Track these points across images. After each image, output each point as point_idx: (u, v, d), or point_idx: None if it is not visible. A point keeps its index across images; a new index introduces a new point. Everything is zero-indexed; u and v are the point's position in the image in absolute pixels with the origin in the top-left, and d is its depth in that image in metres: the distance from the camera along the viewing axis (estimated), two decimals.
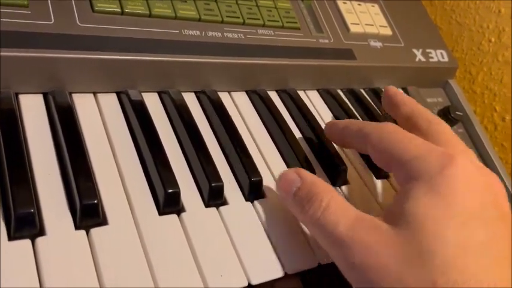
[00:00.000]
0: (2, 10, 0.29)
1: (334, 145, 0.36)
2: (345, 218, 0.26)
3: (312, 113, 0.40)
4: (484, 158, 0.50)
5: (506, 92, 0.58)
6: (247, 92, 0.40)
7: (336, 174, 0.36)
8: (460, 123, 0.51)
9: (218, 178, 0.30)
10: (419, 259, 0.23)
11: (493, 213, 0.25)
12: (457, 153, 0.26)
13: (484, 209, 0.24)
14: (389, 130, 0.29)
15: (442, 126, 0.31)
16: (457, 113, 0.50)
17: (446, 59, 0.52)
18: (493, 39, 0.58)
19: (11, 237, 0.24)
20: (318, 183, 0.28)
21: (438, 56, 0.52)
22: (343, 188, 0.35)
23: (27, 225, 0.24)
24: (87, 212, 0.25)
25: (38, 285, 0.22)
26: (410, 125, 0.32)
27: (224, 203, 0.30)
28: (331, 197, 0.27)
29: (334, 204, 0.26)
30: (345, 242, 0.25)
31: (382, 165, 0.29)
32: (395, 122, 0.33)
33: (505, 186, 0.48)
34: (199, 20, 0.37)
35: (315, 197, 0.27)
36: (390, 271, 0.23)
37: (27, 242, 0.24)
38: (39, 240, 0.24)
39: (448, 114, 0.50)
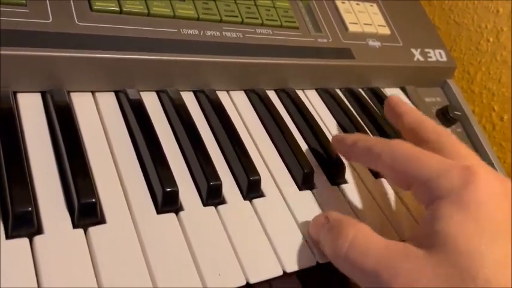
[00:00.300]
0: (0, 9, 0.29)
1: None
2: (374, 247, 0.25)
3: (310, 113, 0.40)
4: (483, 158, 0.50)
5: (505, 91, 0.58)
6: (245, 91, 0.40)
7: (334, 173, 0.36)
8: (458, 123, 0.51)
9: (216, 177, 0.30)
10: (460, 280, 0.22)
11: None
12: (475, 165, 0.26)
13: (510, 220, 0.24)
14: (401, 148, 0.28)
15: (452, 138, 0.30)
16: (456, 112, 0.50)
17: (444, 59, 0.52)
18: (491, 39, 0.58)
19: (8, 236, 0.24)
20: (345, 218, 0.28)
21: (436, 55, 0.52)
22: (342, 187, 0.35)
23: (25, 223, 0.24)
24: (85, 211, 0.25)
25: (36, 284, 0.22)
26: (418, 137, 0.31)
27: (222, 202, 0.30)
28: (357, 229, 0.26)
29: (362, 235, 0.26)
30: (378, 273, 0.24)
31: (399, 184, 0.29)
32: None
33: None
34: (198, 19, 0.37)
35: (341, 230, 0.27)
36: None
37: (24, 241, 0.24)
38: (37, 238, 0.24)
39: (446, 114, 0.50)
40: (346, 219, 0.28)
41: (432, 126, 0.31)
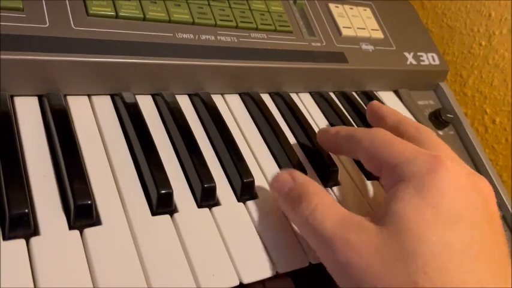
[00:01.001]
0: None
1: None
2: (332, 217, 0.26)
3: (304, 116, 0.40)
4: (475, 160, 0.51)
5: (497, 94, 0.59)
6: (240, 95, 0.40)
7: (327, 175, 0.36)
8: (451, 126, 0.52)
9: (211, 179, 0.30)
10: (401, 259, 0.23)
11: (480, 216, 0.25)
12: (445, 156, 0.27)
13: (471, 211, 0.25)
14: (379, 135, 0.29)
15: (430, 133, 0.31)
16: (448, 115, 0.50)
17: (437, 62, 0.53)
18: (483, 43, 0.59)
19: (5, 237, 0.24)
20: (309, 184, 0.29)
21: (429, 59, 0.52)
22: (335, 188, 0.36)
23: (22, 225, 0.24)
24: (81, 213, 0.26)
25: (32, 284, 0.23)
26: (400, 132, 0.32)
27: (216, 203, 0.31)
28: (320, 197, 0.28)
29: (323, 204, 0.27)
30: (331, 239, 0.25)
31: (373, 169, 0.30)
32: None
33: (495, 187, 0.49)
34: (193, 23, 0.38)
35: (305, 197, 0.28)
36: (372, 270, 0.24)
37: (21, 242, 0.24)
38: (34, 240, 0.24)
39: (439, 117, 0.50)
40: (311, 184, 0.29)
41: (412, 123, 0.33)
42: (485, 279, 0.23)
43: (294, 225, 0.31)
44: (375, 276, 0.23)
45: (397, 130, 0.32)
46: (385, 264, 0.23)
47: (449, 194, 0.25)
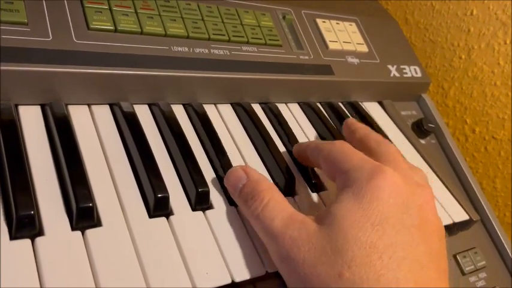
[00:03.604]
0: (3, 27, 0.31)
1: None
2: (281, 214, 0.29)
3: (289, 126, 0.42)
4: (455, 168, 0.53)
5: (476, 105, 0.62)
6: (232, 105, 0.42)
7: (314, 182, 0.38)
8: (432, 135, 0.55)
9: (204, 184, 0.32)
10: (331, 254, 0.26)
11: (409, 222, 0.27)
12: (390, 166, 0.29)
13: (400, 216, 0.27)
14: (338, 146, 0.32)
15: (390, 146, 0.35)
16: (430, 125, 0.53)
17: (419, 75, 0.55)
18: (463, 56, 0.62)
19: (12, 237, 0.25)
20: (262, 181, 0.31)
21: (412, 71, 0.55)
22: (321, 193, 0.38)
23: (28, 226, 0.26)
24: (83, 214, 0.27)
25: (38, 281, 0.24)
26: (363, 146, 0.35)
27: (210, 207, 0.33)
28: (271, 195, 0.30)
29: (274, 202, 0.30)
30: (278, 236, 0.28)
31: (329, 175, 0.33)
32: None
33: (475, 194, 0.51)
34: (188, 37, 0.39)
35: (258, 194, 0.30)
36: (306, 263, 0.26)
37: (27, 242, 0.26)
38: (39, 240, 0.26)
39: (421, 126, 0.53)
40: (264, 182, 0.31)
41: (375, 137, 0.36)
42: (404, 278, 0.25)
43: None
44: (308, 269, 0.26)
45: (361, 143, 0.36)
46: (317, 258, 0.26)
47: (381, 199, 0.27)
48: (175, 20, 0.40)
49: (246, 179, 0.31)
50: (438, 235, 0.29)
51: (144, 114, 0.37)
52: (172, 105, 0.38)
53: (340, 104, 0.50)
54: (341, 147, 0.32)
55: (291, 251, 0.27)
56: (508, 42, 0.58)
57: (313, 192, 0.38)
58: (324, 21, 0.51)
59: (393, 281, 0.25)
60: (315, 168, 0.39)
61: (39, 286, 0.24)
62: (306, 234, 0.27)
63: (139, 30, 0.37)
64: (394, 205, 0.28)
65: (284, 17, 0.48)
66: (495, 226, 0.49)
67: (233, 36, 0.42)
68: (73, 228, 0.27)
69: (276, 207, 0.29)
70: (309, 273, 0.26)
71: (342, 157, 0.31)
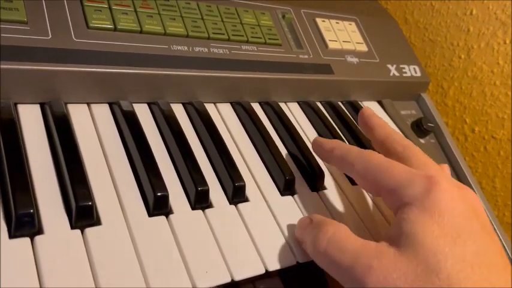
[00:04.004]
0: (2, 26, 0.31)
1: (313, 153, 0.39)
2: (350, 245, 0.28)
3: (292, 124, 0.42)
4: (455, 167, 0.53)
5: (475, 105, 0.62)
6: (231, 104, 0.42)
7: (314, 180, 0.38)
8: (432, 134, 0.55)
9: (204, 183, 0.32)
10: (426, 276, 0.25)
11: (476, 226, 0.27)
12: (436, 174, 0.29)
13: (468, 223, 0.27)
14: (373, 160, 0.31)
15: (415, 149, 0.33)
16: (429, 124, 0.53)
17: (419, 74, 0.55)
18: (462, 56, 0.62)
19: (12, 236, 0.25)
20: (325, 219, 0.31)
21: (411, 71, 0.55)
22: (321, 193, 0.38)
23: (27, 224, 0.26)
24: (83, 213, 0.27)
25: (37, 280, 0.24)
26: (386, 148, 0.34)
27: (209, 206, 0.33)
28: (337, 228, 0.29)
29: (340, 234, 0.28)
30: (353, 268, 0.26)
31: (371, 191, 0.32)
32: None
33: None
34: (187, 36, 0.39)
35: (321, 228, 0.29)
36: None
37: (26, 240, 0.25)
38: (38, 238, 0.26)
39: (420, 126, 0.53)
40: (328, 220, 0.31)
41: (399, 139, 0.34)
42: (497, 282, 0.25)
43: (283, 227, 0.33)
44: None
45: (384, 145, 0.34)
46: (412, 283, 0.25)
47: (449, 211, 0.27)
48: (174, 19, 0.40)
49: (311, 221, 0.31)
50: (494, 232, 0.28)
51: (143, 113, 0.37)
52: (171, 104, 0.38)
53: (340, 103, 0.50)
54: (376, 161, 0.31)
55: (377, 282, 0.25)
56: (507, 41, 0.58)
57: (312, 191, 0.38)
58: (323, 21, 0.51)
59: (491, 286, 0.25)
60: (315, 168, 0.39)
61: (38, 285, 0.24)
62: (387, 261, 0.26)
63: (139, 29, 0.37)
64: (459, 213, 0.27)
65: (284, 16, 0.48)
66: (494, 226, 0.49)
67: (233, 35, 0.42)
68: (72, 227, 0.27)
69: (345, 238, 0.28)
70: None
71: (382, 173, 0.30)
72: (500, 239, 0.48)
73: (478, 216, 0.28)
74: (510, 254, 0.48)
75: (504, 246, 0.48)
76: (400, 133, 0.36)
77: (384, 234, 0.29)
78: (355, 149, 0.33)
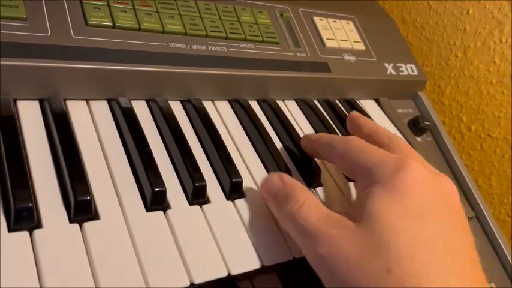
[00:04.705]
0: (2, 23, 0.31)
1: None
2: (316, 213, 0.29)
3: (289, 121, 0.43)
4: (451, 166, 0.54)
5: (472, 104, 0.62)
6: (229, 101, 0.43)
7: (310, 176, 0.38)
8: (429, 133, 0.55)
9: (201, 178, 0.32)
10: (376, 250, 0.26)
11: (443, 210, 0.28)
12: (411, 159, 0.29)
13: (434, 206, 0.28)
14: (353, 142, 0.32)
15: (401, 140, 0.35)
16: (426, 122, 0.53)
17: (416, 73, 0.56)
18: (459, 55, 0.62)
19: (10, 229, 0.26)
20: (296, 185, 0.31)
21: (408, 69, 0.55)
22: (318, 189, 0.38)
23: (26, 218, 0.26)
24: (81, 208, 0.28)
25: (36, 273, 0.24)
26: (373, 140, 0.35)
27: (207, 201, 0.33)
28: (306, 197, 0.30)
29: (309, 202, 0.30)
30: (315, 235, 0.28)
31: (347, 173, 0.33)
32: None
33: (471, 192, 0.51)
34: (185, 34, 0.40)
35: (292, 196, 0.30)
36: (351, 261, 0.26)
37: (25, 234, 0.26)
38: (37, 232, 0.26)
39: (417, 124, 0.53)
40: (298, 186, 0.31)
41: (384, 132, 0.36)
42: (449, 268, 0.25)
43: (280, 224, 0.33)
44: (354, 267, 0.26)
45: (371, 138, 0.35)
46: (362, 255, 0.26)
47: (413, 192, 0.28)
48: (173, 17, 0.40)
49: (280, 183, 0.31)
50: (465, 222, 0.29)
51: (141, 110, 0.37)
52: (170, 101, 0.39)
53: (337, 102, 0.50)
54: (356, 143, 0.32)
55: (332, 249, 0.27)
56: (503, 40, 0.58)
57: (309, 187, 0.38)
58: (321, 19, 0.51)
59: (441, 271, 0.25)
60: (312, 164, 0.39)
61: (37, 278, 0.24)
62: (345, 232, 0.27)
63: (137, 26, 0.37)
64: (425, 195, 0.28)
65: (281, 15, 0.48)
66: (490, 223, 0.50)
67: (231, 33, 0.42)
68: (71, 221, 0.27)
69: (312, 206, 0.29)
70: (354, 270, 0.26)
71: (359, 154, 0.31)
72: (495, 237, 0.49)
73: (447, 203, 0.28)
74: (506, 251, 0.48)
75: (500, 244, 0.49)
76: (387, 129, 0.37)
77: (351, 210, 0.30)
78: (340, 136, 0.35)
